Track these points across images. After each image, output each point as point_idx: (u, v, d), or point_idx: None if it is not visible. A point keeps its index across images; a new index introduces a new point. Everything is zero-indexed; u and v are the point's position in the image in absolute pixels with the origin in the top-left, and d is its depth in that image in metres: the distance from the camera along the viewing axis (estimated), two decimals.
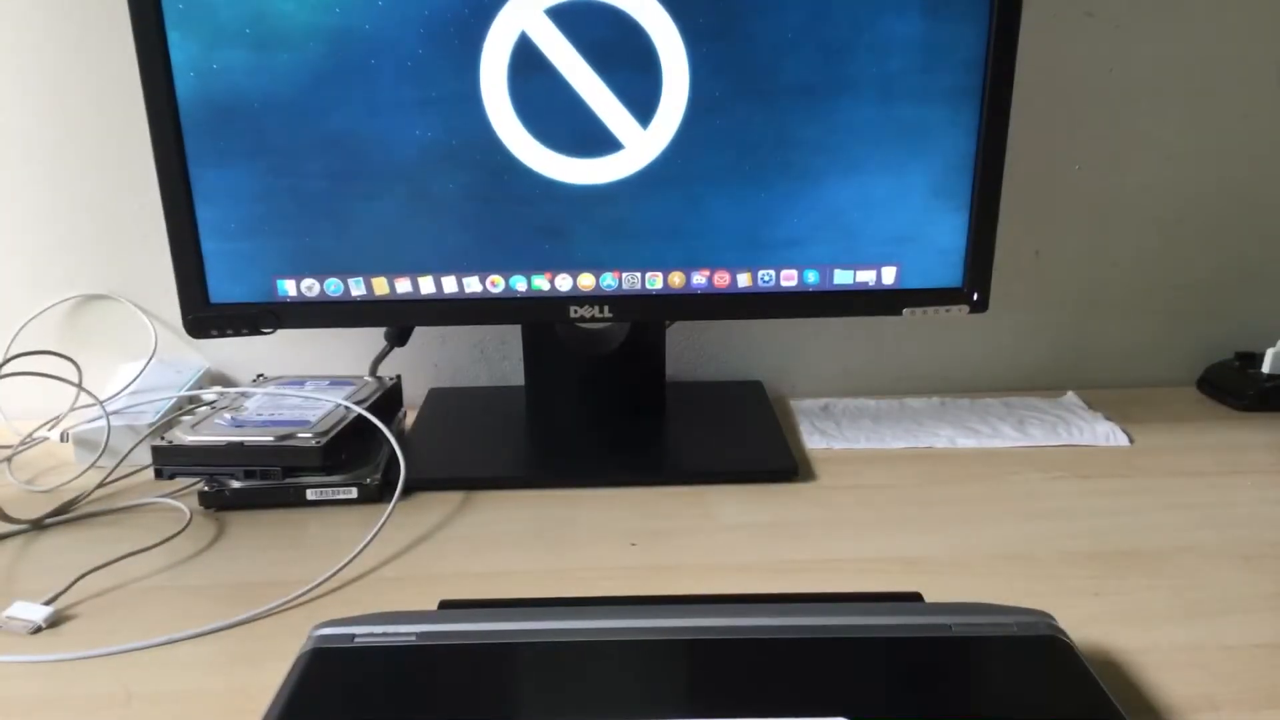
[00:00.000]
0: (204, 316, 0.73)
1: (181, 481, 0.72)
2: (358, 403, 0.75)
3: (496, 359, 0.94)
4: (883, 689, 0.43)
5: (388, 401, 0.79)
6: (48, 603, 0.57)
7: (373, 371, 0.85)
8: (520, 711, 0.42)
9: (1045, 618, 0.48)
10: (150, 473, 0.71)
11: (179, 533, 0.66)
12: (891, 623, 0.48)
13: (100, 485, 0.72)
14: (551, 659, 0.45)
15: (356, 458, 0.72)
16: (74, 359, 0.81)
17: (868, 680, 0.44)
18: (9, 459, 0.78)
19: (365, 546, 0.64)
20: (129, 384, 0.83)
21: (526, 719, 0.42)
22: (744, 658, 0.45)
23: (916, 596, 0.53)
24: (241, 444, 0.69)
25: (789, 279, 0.75)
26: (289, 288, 0.73)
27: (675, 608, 0.49)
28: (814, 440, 0.82)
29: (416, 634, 0.47)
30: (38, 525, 0.68)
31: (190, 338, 0.73)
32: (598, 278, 0.74)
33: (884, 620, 0.48)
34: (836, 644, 0.46)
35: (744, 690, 0.43)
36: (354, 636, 0.47)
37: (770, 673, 0.44)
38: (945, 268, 0.75)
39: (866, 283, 0.75)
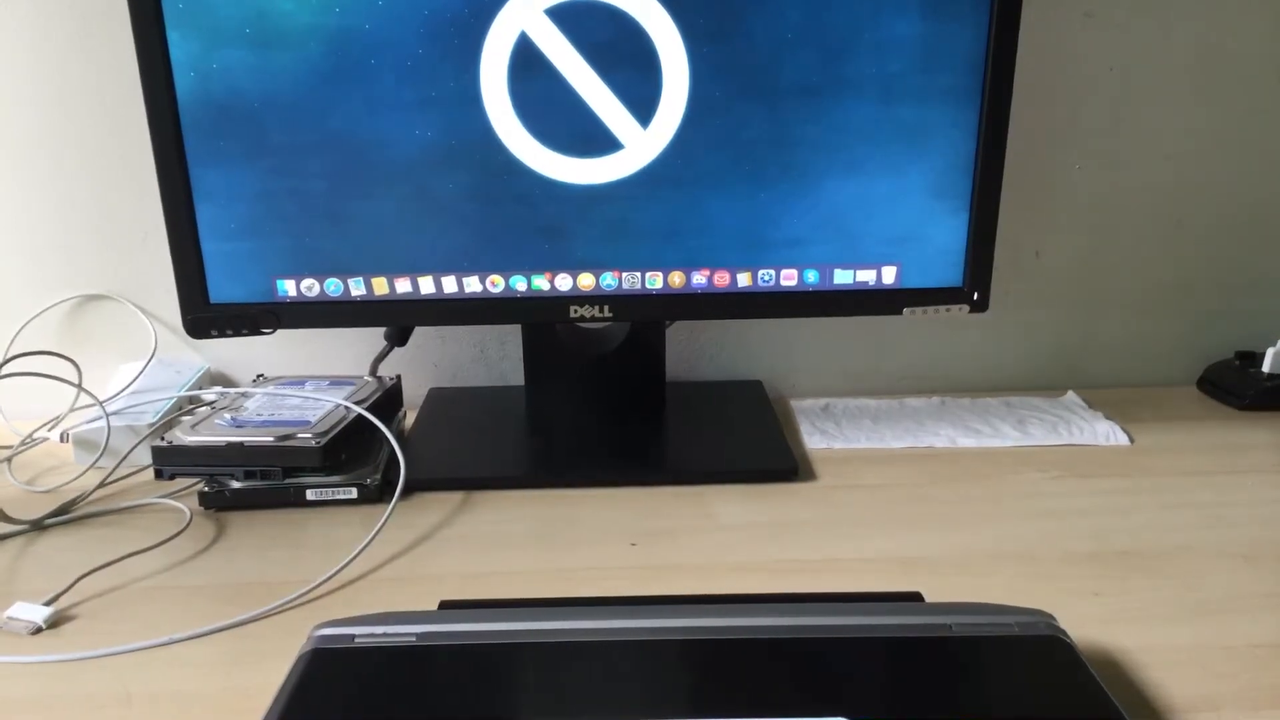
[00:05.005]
0: (204, 316, 0.73)
1: (181, 482, 0.72)
2: (358, 403, 0.75)
3: (496, 359, 0.94)
4: (883, 689, 0.43)
5: (388, 401, 0.79)
6: (48, 603, 0.57)
7: (373, 371, 0.85)
8: (520, 711, 0.42)
9: (1046, 618, 0.48)
10: (150, 473, 0.71)
11: (179, 533, 0.66)
12: (891, 623, 0.48)
13: (100, 485, 0.72)
14: (551, 659, 0.45)
15: (356, 458, 0.72)
16: (74, 359, 0.81)
17: (868, 680, 0.44)
18: (9, 459, 0.78)
19: (365, 547, 0.64)
20: (129, 384, 0.83)
21: (526, 719, 0.42)
22: (744, 658, 0.45)
23: (917, 596, 0.53)
24: (241, 444, 0.69)
25: (789, 279, 0.75)
26: (289, 288, 0.73)
27: (675, 608, 0.49)
28: (814, 440, 0.81)
29: (416, 634, 0.47)
30: (38, 525, 0.68)
31: (190, 338, 0.73)
32: (598, 278, 0.74)
33: (884, 620, 0.48)
34: (836, 644, 0.46)
35: (744, 690, 0.43)
36: (354, 637, 0.47)
37: (770, 673, 0.44)
38: (945, 268, 0.75)
39: (866, 283, 0.75)
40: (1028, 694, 0.43)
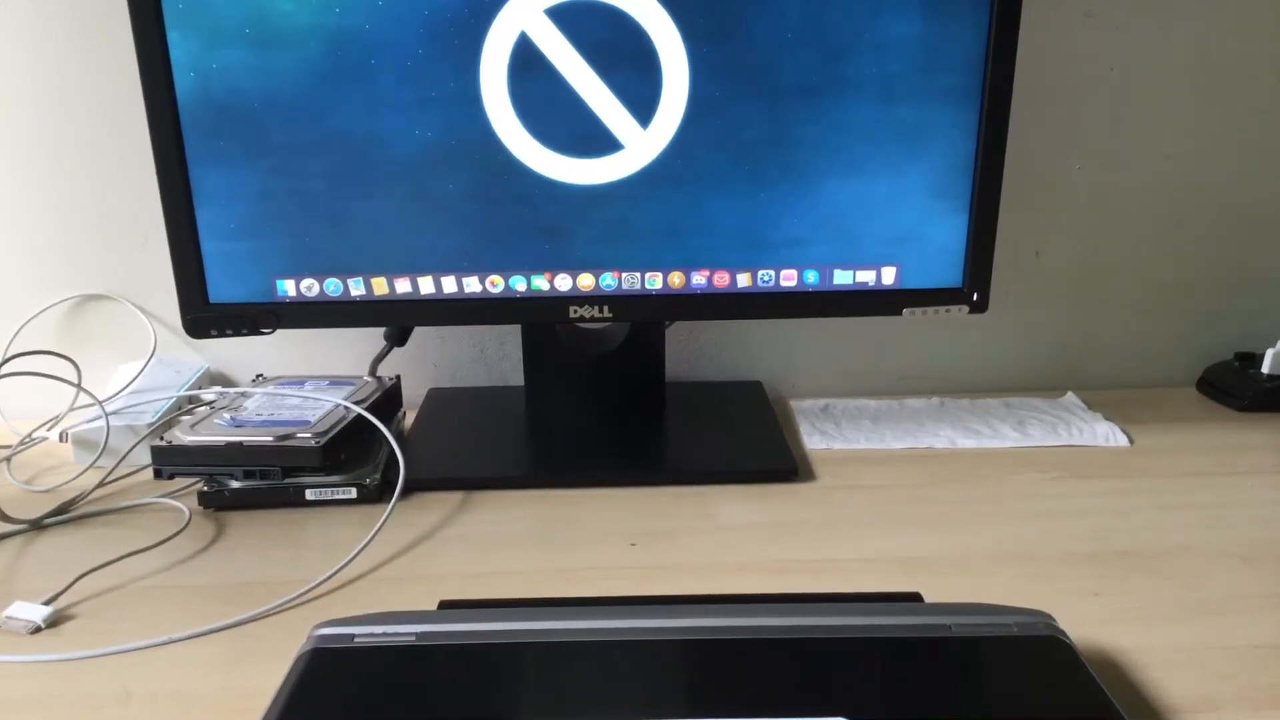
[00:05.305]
0: (204, 316, 0.73)
1: (181, 481, 0.72)
2: (357, 403, 0.75)
3: (496, 359, 0.93)
4: (882, 689, 0.43)
5: (387, 401, 0.79)
6: (47, 603, 0.57)
7: (372, 371, 0.85)
8: (520, 711, 0.42)
9: (1045, 618, 0.48)
10: (150, 473, 0.71)
11: (179, 533, 0.66)
12: (891, 623, 0.48)
13: (100, 485, 0.72)
14: (551, 659, 0.45)
15: (356, 458, 0.72)
16: (74, 359, 0.81)
17: (867, 681, 0.44)
18: (9, 459, 0.78)
19: (365, 546, 0.64)
20: (129, 384, 0.83)
21: (526, 719, 0.42)
22: (744, 658, 0.45)
23: (916, 597, 0.53)
24: (241, 444, 0.69)
25: (789, 279, 0.75)
26: (289, 288, 0.73)
27: (675, 608, 0.49)
28: (814, 440, 0.81)
29: (416, 634, 0.47)
30: (37, 525, 0.68)
31: (190, 338, 0.73)
32: (598, 278, 0.74)
33: (883, 621, 0.48)
34: (836, 644, 0.46)
35: (744, 690, 0.43)
36: (354, 636, 0.47)
37: (770, 673, 0.44)
38: (945, 268, 0.75)
39: (866, 283, 0.75)
40: (1027, 694, 0.43)
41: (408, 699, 0.43)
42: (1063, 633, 0.47)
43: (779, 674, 0.44)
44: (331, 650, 0.46)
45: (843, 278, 0.75)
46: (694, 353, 0.94)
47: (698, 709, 0.42)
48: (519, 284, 0.74)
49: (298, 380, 0.81)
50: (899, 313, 0.76)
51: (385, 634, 0.47)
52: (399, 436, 0.79)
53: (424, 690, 0.43)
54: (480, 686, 0.44)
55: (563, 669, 0.45)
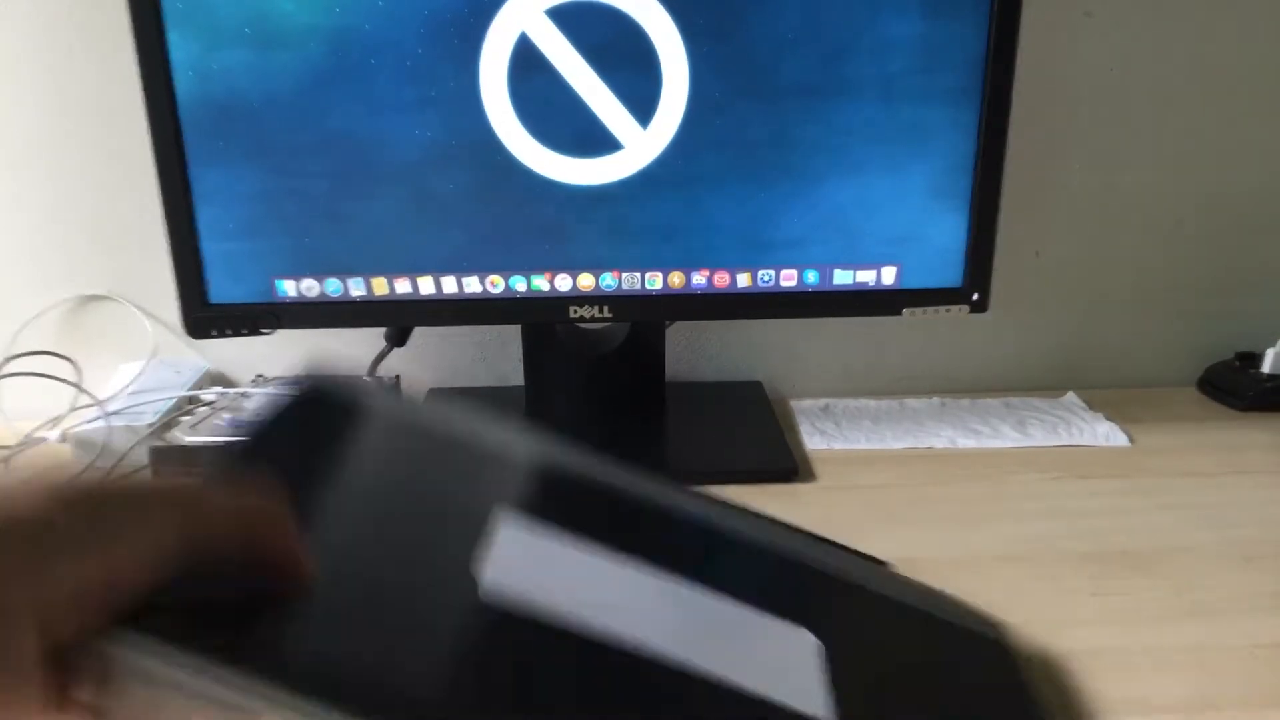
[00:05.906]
0: (204, 317, 0.73)
1: None
2: None
3: (496, 359, 0.93)
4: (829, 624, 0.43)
5: None
6: None
7: (372, 371, 0.85)
8: (500, 504, 0.41)
9: (997, 628, 0.49)
10: (150, 473, 0.71)
11: None
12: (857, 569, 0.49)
13: None
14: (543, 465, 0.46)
15: None
16: (74, 359, 0.81)
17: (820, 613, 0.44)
18: (9, 459, 0.78)
19: None
20: (129, 384, 0.83)
21: (504, 510, 0.41)
22: (714, 543, 0.48)
23: (882, 564, 0.53)
24: None
25: (789, 279, 0.75)
26: (289, 288, 0.73)
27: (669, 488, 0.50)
28: (814, 440, 0.81)
29: (417, 413, 0.45)
30: None
31: (190, 338, 0.73)
32: (598, 278, 0.74)
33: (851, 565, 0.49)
34: (799, 568, 0.47)
35: (710, 570, 0.44)
36: (357, 394, 0.44)
37: (736, 570, 0.46)
38: (945, 268, 0.75)
39: (866, 283, 0.75)
40: (959, 682, 0.45)
41: (396, 458, 0.41)
42: (1010, 645, 0.48)
43: (743, 572, 0.46)
44: (332, 394, 0.42)
45: (843, 278, 0.75)
46: (694, 353, 0.94)
47: (667, 564, 0.42)
48: (519, 284, 0.74)
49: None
50: (899, 313, 0.76)
51: (389, 403, 0.45)
52: None
53: (414, 459, 0.42)
54: (473, 477, 0.43)
55: (553, 480, 0.47)
